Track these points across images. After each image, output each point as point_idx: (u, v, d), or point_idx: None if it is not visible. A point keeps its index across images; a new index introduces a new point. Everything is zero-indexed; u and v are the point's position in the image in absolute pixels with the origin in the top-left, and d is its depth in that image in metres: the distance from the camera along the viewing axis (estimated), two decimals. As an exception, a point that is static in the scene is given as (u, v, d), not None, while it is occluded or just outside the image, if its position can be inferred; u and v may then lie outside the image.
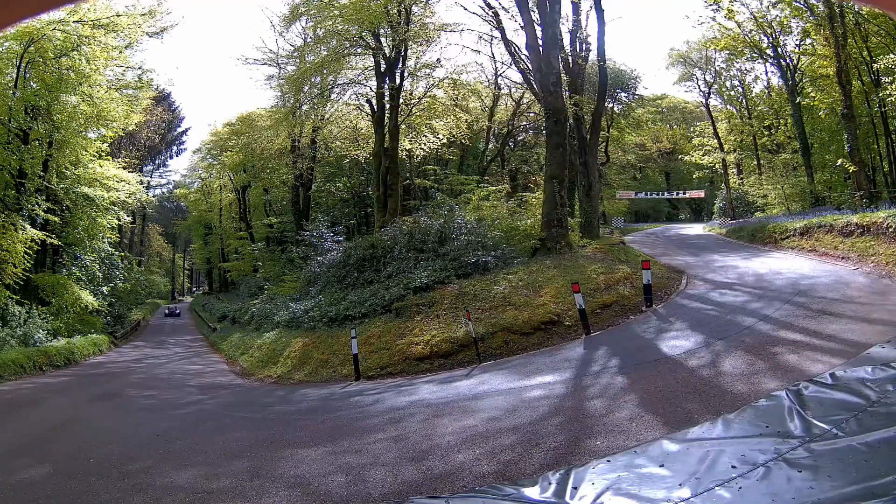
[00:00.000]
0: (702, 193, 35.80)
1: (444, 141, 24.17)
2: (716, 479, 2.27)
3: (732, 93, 30.80)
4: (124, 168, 22.18)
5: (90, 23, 17.88)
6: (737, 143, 29.81)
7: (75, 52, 17.81)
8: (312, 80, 22.10)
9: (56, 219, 18.38)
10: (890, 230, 11.63)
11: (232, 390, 12.02)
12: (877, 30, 18.94)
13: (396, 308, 12.52)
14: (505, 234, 15.82)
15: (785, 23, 22.65)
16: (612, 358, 8.21)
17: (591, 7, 20.41)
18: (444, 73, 22.40)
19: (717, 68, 30.24)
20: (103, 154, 20.71)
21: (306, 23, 23.35)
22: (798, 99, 22.38)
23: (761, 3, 22.90)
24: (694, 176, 34.44)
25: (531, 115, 29.32)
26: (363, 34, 19.56)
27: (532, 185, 27.59)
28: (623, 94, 31.72)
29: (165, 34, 21.93)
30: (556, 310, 10.61)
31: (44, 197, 18.02)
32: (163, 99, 35.72)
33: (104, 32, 18.31)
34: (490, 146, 31.48)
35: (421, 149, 23.96)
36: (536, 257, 14.43)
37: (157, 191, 44.64)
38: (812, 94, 20.74)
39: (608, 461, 2.65)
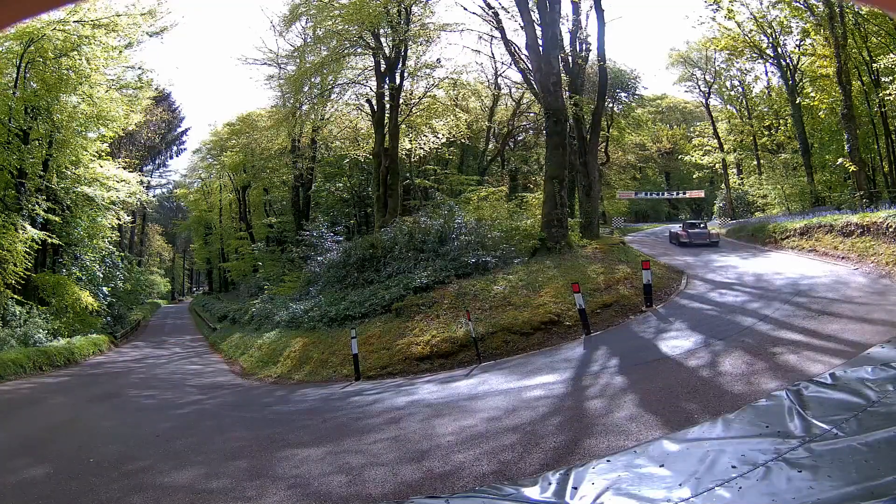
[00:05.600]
0: (702, 193, 35.77)
1: (444, 141, 24.16)
2: (716, 479, 2.27)
3: (732, 93, 30.79)
4: (124, 168, 22.12)
5: (90, 23, 17.85)
6: (737, 143, 29.82)
7: (75, 52, 17.79)
8: (312, 80, 22.10)
9: (56, 219, 18.35)
10: (890, 230, 11.64)
11: (232, 390, 12.02)
12: (877, 30, 18.93)
13: (396, 308, 12.52)
14: (505, 234, 15.81)
15: (785, 23, 22.64)
16: (611, 358, 8.22)
17: (591, 7, 20.38)
18: (444, 73, 22.39)
19: (717, 68, 30.23)
20: (103, 154, 20.66)
21: (306, 23, 23.34)
22: (798, 99, 22.37)
23: (761, 4, 22.92)
24: (694, 176, 34.42)
25: (531, 115, 29.29)
26: (363, 34, 19.55)
27: (532, 185, 27.58)
28: (623, 94, 31.70)
29: (165, 34, 21.91)
30: (556, 310, 10.61)
31: (44, 197, 17.98)
32: (163, 99, 35.65)
33: (104, 32, 18.27)
34: (490, 146, 31.46)
35: (421, 149, 23.95)
36: (536, 257, 14.43)
37: (158, 191, 44.55)
38: (812, 94, 20.74)
39: (608, 461, 2.65)
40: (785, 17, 22.08)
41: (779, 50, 24.07)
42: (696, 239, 20.18)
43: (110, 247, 23.69)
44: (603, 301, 11.08)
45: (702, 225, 22.19)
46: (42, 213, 17.53)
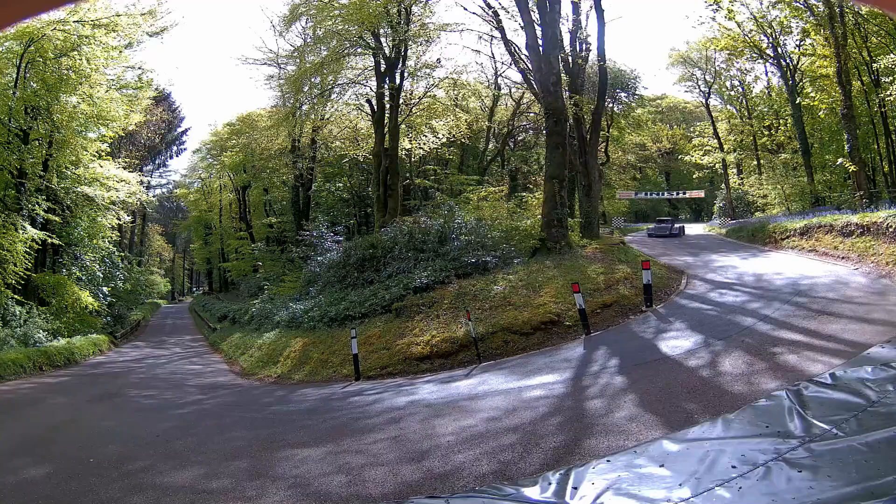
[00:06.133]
0: (702, 193, 35.79)
1: (444, 141, 24.18)
2: (716, 479, 2.27)
3: (732, 93, 30.79)
4: (124, 168, 22.13)
5: (90, 23, 17.85)
6: (737, 143, 29.82)
7: (75, 52, 17.79)
8: (312, 80, 22.11)
9: (56, 218, 18.36)
10: (890, 230, 11.63)
11: (232, 390, 12.02)
12: (877, 30, 18.94)
13: (396, 308, 12.52)
14: (505, 234, 15.82)
15: (785, 23, 22.64)
16: (611, 358, 8.21)
17: (591, 7, 20.41)
18: (444, 73, 22.41)
19: (717, 68, 30.21)
20: (103, 154, 20.66)
21: (306, 23, 23.35)
22: (798, 99, 22.36)
23: (761, 4, 22.92)
24: (694, 176, 34.42)
25: (531, 115, 29.29)
26: (363, 34, 19.56)
27: (532, 186, 27.58)
28: (623, 94, 31.67)
29: (165, 34, 21.95)
30: (556, 310, 10.61)
31: (44, 197, 17.99)
32: (163, 99, 35.63)
33: (104, 32, 18.27)
34: (490, 146, 31.47)
35: (421, 149, 23.97)
36: (536, 257, 14.42)
37: (158, 191, 44.55)
38: (812, 94, 20.74)
39: (608, 461, 2.65)
40: (785, 17, 22.08)
41: (779, 50, 24.07)
42: (656, 232, 25.71)
43: (110, 247, 23.69)
44: (603, 301, 11.07)
45: (667, 221, 27.97)
46: (42, 213, 17.53)
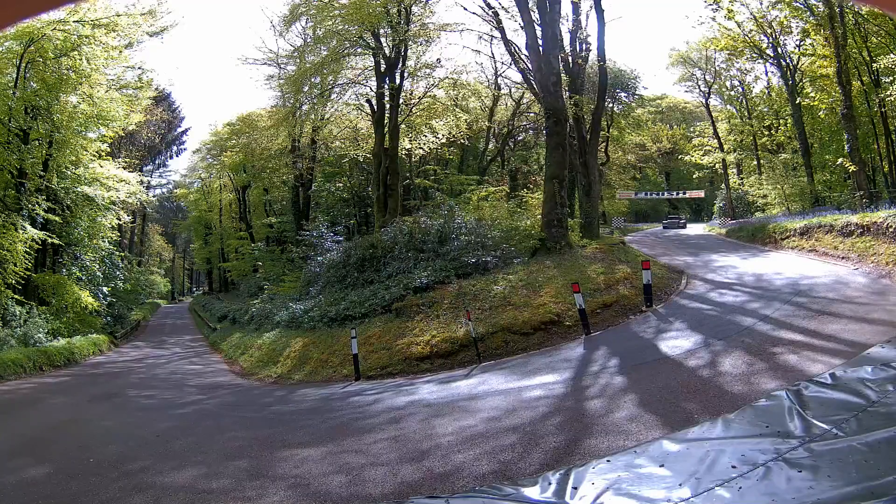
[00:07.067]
0: (702, 193, 35.84)
1: (444, 141, 24.18)
2: (716, 479, 2.27)
3: (732, 93, 30.81)
4: (124, 168, 22.12)
5: (90, 23, 17.83)
6: (737, 143, 29.84)
7: (75, 52, 17.77)
8: (312, 80, 22.10)
9: (56, 218, 18.35)
10: (890, 230, 11.63)
11: (232, 390, 12.01)
12: (877, 30, 18.94)
13: (396, 308, 12.51)
14: (505, 234, 15.80)
15: (785, 23, 22.64)
16: (611, 358, 8.21)
17: (591, 7, 20.42)
18: (444, 73, 22.40)
19: (717, 68, 30.24)
20: (103, 154, 20.65)
21: (306, 23, 23.38)
22: (798, 99, 22.37)
23: (761, 4, 22.93)
24: (694, 176, 34.47)
25: (531, 115, 29.31)
26: (363, 34, 19.56)
27: (532, 185, 27.59)
28: (623, 94, 31.71)
29: (165, 34, 21.94)
30: (556, 310, 10.60)
31: (44, 197, 17.97)
32: (163, 99, 35.69)
33: (104, 32, 18.26)
34: (490, 146, 31.48)
35: (421, 148, 23.97)
36: (536, 257, 14.42)
37: (158, 191, 44.67)
38: (812, 94, 20.75)
39: (608, 461, 2.65)
40: (785, 17, 22.07)
41: (779, 50, 24.08)
42: (669, 225, 33.07)
43: (110, 247, 23.68)
44: (603, 301, 11.07)
45: (676, 217, 35.56)
46: (42, 213, 17.52)
